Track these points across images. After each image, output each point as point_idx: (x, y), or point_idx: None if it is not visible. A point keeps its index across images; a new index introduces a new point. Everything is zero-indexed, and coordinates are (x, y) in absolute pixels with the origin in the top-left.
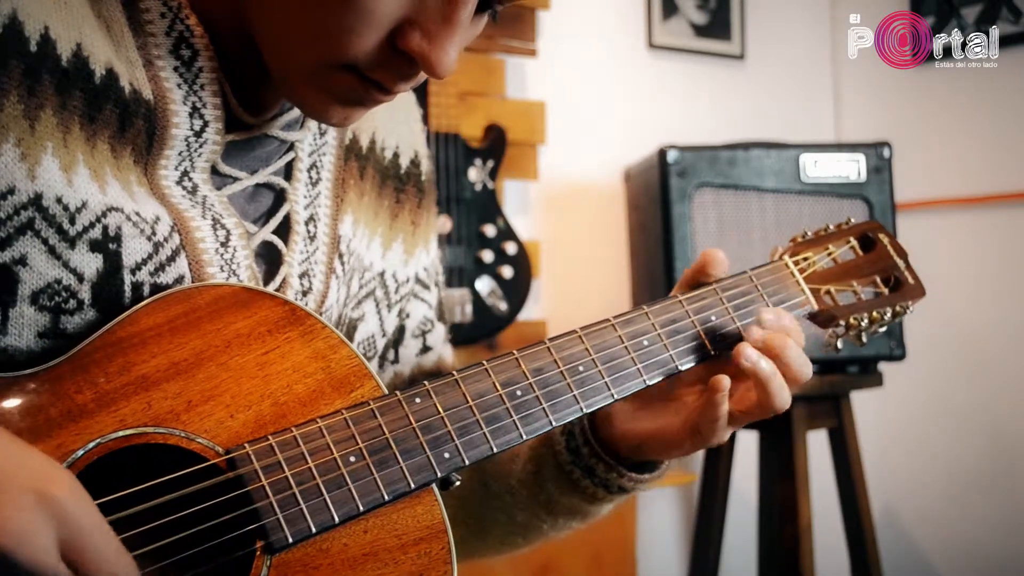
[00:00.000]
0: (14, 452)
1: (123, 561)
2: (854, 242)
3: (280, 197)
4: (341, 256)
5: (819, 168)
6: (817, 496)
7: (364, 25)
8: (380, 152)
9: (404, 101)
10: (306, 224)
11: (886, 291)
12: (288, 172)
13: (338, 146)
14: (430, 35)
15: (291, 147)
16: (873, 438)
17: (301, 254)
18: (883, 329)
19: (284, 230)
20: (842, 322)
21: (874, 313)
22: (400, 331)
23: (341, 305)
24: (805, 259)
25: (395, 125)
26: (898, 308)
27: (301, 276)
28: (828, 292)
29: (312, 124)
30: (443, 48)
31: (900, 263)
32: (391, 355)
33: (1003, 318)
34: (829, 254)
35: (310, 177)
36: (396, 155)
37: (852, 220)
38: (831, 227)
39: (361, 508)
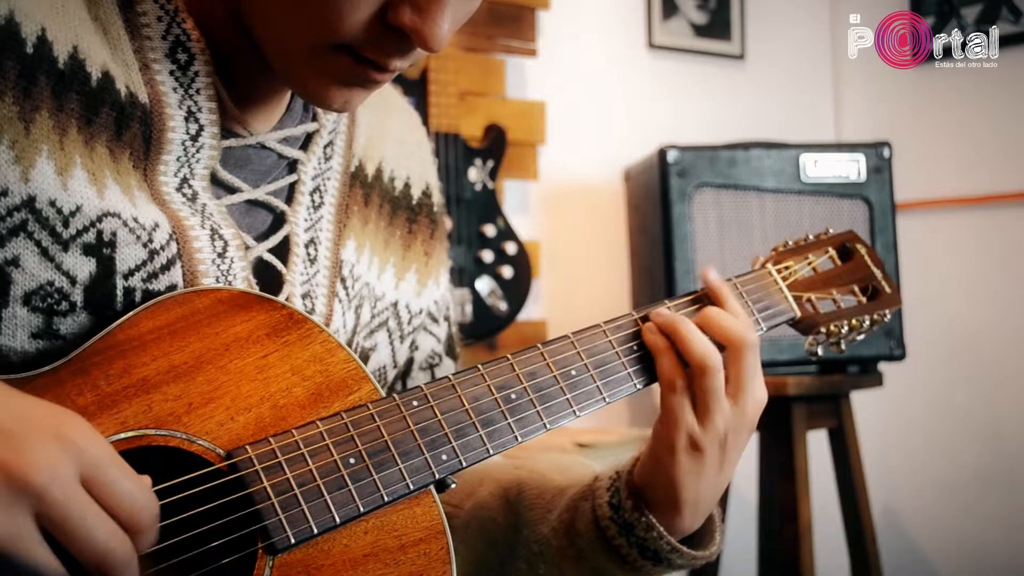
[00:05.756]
0: (28, 402)
1: (141, 492)
2: (832, 252)
3: (280, 219)
4: (344, 280)
5: (819, 168)
6: (817, 496)
7: (352, 5)
8: (389, 182)
9: (414, 136)
10: (306, 247)
11: (864, 300)
12: (290, 194)
13: (343, 172)
14: (420, 9)
15: (294, 169)
16: (873, 438)
17: (301, 275)
18: (861, 337)
19: (283, 251)
20: (823, 329)
21: (853, 321)
22: (408, 363)
23: (350, 332)
24: (787, 267)
25: (405, 158)
26: (876, 316)
27: (304, 297)
28: (809, 300)
29: (317, 148)
30: (434, 21)
31: (877, 273)
32: (398, 386)
33: (1003, 318)
34: (809, 263)
35: (312, 201)
36: (407, 186)
37: (831, 230)
38: (810, 237)
39: (361, 509)
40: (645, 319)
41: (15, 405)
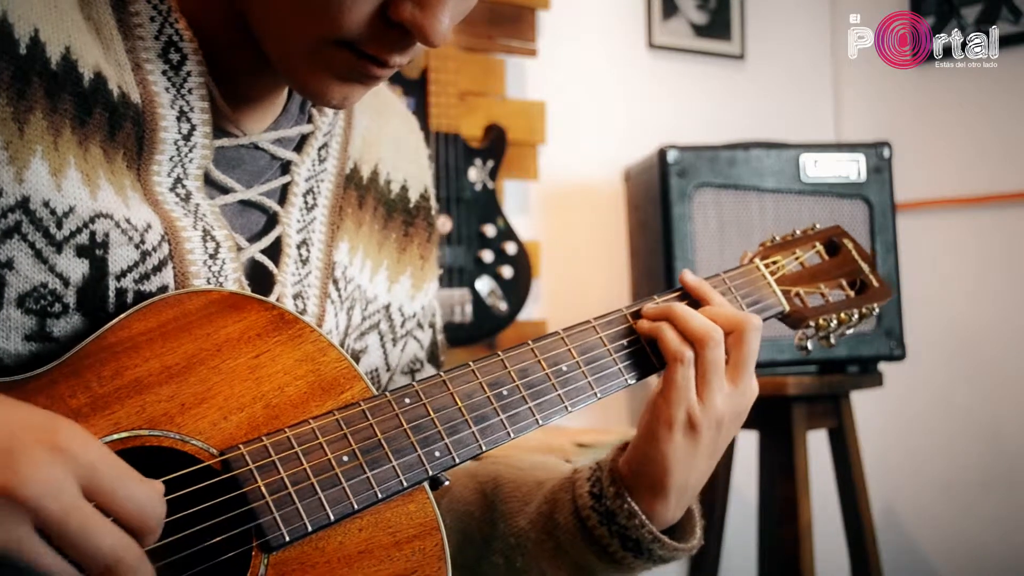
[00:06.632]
0: (18, 414)
1: (143, 492)
2: (820, 247)
3: (272, 220)
4: (336, 282)
5: (819, 168)
6: (817, 496)
7: (354, 0)
8: (384, 185)
9: (412, 140)
10: (298, 248)
11: (852, 293)
12: (283, 196)
13: (337, 174)
14: (421, 4)
15: (287, 171)
16: (873, 438)
17: (293, 276)
18: (850, 331)
19: (275, 252)
20: (811, 323)
21: (842, 315)
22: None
23: (342, 333)
24: (774, 262)
25: (402, 161)
26: (864, 310)
27: (295, 297)
28: (798, 294)
29: (311, 150)
30: (435, 16)
31: (864, 267)
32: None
33: (1003, 318)
34: (796, 258)
35: (305, 202)
36: (404, 188)
37: (817, 225)
38: (797, 232)
39: (355, 506)
40: (636, 315)
41: (5, 418)
